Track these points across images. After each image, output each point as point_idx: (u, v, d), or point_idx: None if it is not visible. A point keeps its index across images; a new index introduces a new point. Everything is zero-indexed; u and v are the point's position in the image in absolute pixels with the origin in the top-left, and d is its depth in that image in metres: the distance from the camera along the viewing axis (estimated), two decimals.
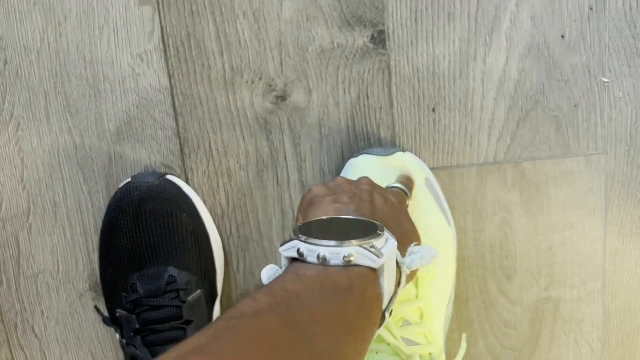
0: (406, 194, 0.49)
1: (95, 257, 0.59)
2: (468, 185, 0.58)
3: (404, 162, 0.53)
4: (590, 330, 0.62)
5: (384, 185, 0.49)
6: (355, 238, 0.35)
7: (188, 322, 0.53)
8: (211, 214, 0.58)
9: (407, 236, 0.42)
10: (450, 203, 0.57)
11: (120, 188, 0.54)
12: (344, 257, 0.33)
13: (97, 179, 0.57)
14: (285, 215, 0.58)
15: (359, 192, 0.43)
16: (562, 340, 0.62)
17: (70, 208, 0.58)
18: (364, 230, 0.36)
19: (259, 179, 0.58)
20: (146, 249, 0.54)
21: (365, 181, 0.46)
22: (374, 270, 0.35)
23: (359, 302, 0.33)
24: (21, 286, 0.60)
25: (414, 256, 0.39)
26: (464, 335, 0.54)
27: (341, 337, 0.32)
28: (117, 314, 0.54)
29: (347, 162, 0.56)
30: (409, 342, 0.50)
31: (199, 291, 0.54)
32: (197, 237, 0.55)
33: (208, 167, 0.57)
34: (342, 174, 0.55)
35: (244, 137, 0.57)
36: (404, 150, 0.55)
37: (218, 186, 0.58)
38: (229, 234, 0.59)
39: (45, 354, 0.61)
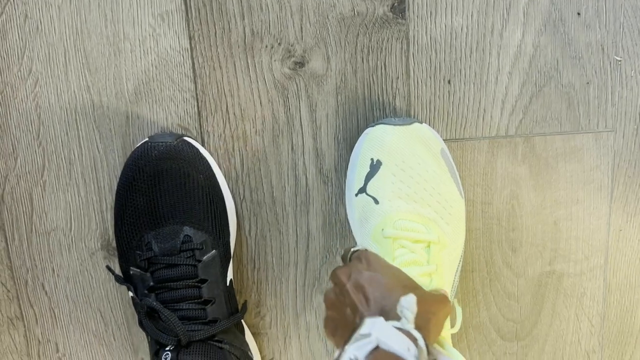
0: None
1: (108, 216, 0.59)
2: (479, 157, 0.59)
3: (421, 133, 0.54)
4: (591, 304, 0.63)
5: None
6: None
7: (203, 281, 0.54)
8: (225, 177, 0.58)
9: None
10: (460, 175, 0.58)
11: (138, 147, 0.55)
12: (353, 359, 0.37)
13: (113, 138, 0.57)
14: (298, 181, 0.59)
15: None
16: (563, 313, 0.64)
17: (85, 166, 0.58)
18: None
19: (273, 145, 0.58)
20: (162, 208, 0.54)
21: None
22: (377, 348, 0.38)
23: None
24: (33, 243, 0.60)
25: (403, 313, 0.41)
26: (455, 300, 0.55)
27: None
28: (131, 272, 0.54)
29: (362, 130, 0.57)
30: None
31: (213, 251, 0.55)
32: (212, 198, 0.56)
33: (224, 131, 0.58)
34: (358, 143, 0.56)
35: (260, 101, 0.57)
36: (420, 121, 0.55)
37: (233, 150, 0.58)
38: (242, 197, 0.59)
39: (54, 311, 0.62)
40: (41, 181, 0.58)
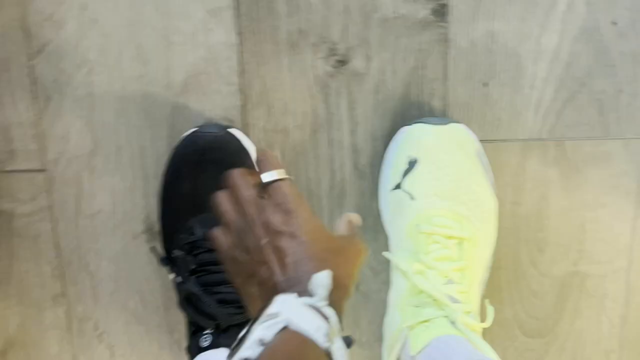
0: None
1: (152, 201, 0.62)
2: (511, 159, 0.61)
3: (458, 133, 0.56)
4: (613, 306, 0.65)
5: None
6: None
7: None
8: None
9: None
10: (492, 175, 0.60)
11: (187, 136, 0.57)
12: (259, 340, 0.36)
13: (160, 126, 0.60)
14: (334, 175, 0.61)
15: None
16: (585, 313, 0.65)
17: (132, 152, 0.61)
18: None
19: (313, 139, 0.61)
20: (206, 194, 0.56)
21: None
22: (286, 328, 0.36)
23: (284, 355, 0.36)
24: (79, 224, 0.63)
25: (316, 290, 0.39)
26: (487, 301, 0.57)
27: None
28: (174, 255, 0.57)
29: (399, 128, 0.59)
30: (452, 299, 0.53)
31: None
32: None
33: (266, 124, 0.60)
34: (395, 141, 0.58)
35: (302, 97, 0.59)
36: (457, 122, 0.58)
37: (274, 143, 0.61)
38: None
39: (95, 291, 0.65)
40: (90, 165, 0.61)
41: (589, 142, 0.61)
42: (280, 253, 0.40)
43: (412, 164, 0.56)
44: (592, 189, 0.62)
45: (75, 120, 0.60)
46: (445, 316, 0.52)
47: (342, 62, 0.58)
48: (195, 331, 0.57)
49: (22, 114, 0.60)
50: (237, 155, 0.57)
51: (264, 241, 0.41)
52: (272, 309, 0.37)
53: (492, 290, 0.65)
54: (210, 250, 0.56)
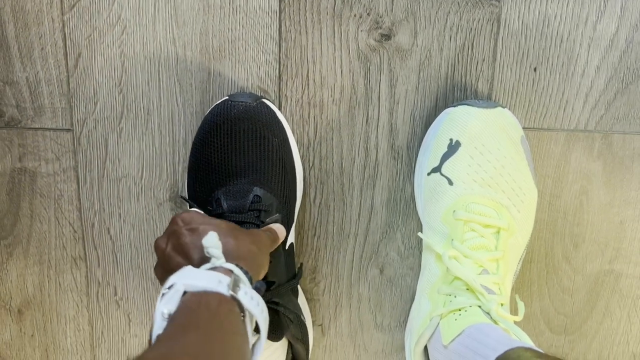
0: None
1: (180, 169, 0.60)
2: (554, 149, 0.58)
3: (504, 118, 0.54)
4: None
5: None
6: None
7: None
8: (297, 143, 0.59)
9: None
10: (534, 164, 0.58)
11: (218, 104, 0.55)
12: (162, 315, 0.36)
13: (192, 92, 0.58)
14: (368, 154, 0.59)
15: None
16: (616, 313, 0.63)
17: (162, 117, 0.59)
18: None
19: (349, 115, 0.58)
20: (235, 166, 0.55)
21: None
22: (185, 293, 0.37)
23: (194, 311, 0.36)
24: (103, 187, 0.61)
25: (209, 251, 0.41)
26: (517, 296, 0.55)
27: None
28: None
29: (440, 109, 0.57)
30: (487, 290, 0.51)
31: (278, 215, 0.55)
32: (284, 163, 0.56)
33: (302, 97, 0.58)
34: (437, 122, 0.56)
35: (342, 71, 0.57)
36: (503, 106, 0.55)
37: (308, 117, 0.58)
38: (311, 165, 0.60)
39: (116, 256, 0.63)
40: (118, 128, 0.59)
41: (638, 137, 0.58)
42: (183, 248, 0.44)
43: (453, 147, 0.54)
44: (636, 186, 0.59)
45: (105, 80, 0.58)
46: (479, 306, 0.50)
47: (386, 37, 0.56)
48: None
49: (52, 70, 0.58)
50: (268, 127, 0.55)
51: (167, 250, 0.45)
52: (168, 282, 0.38)
53: (522, 283, 0.63)
54: (237, 223, 0.54)
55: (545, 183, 0.59)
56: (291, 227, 0.58)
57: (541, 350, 0.44)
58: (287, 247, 0.58)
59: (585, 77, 0.56)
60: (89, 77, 0.58)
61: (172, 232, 0.46)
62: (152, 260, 0.63)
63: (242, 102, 0.55)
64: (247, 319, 0.39)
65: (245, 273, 0.40)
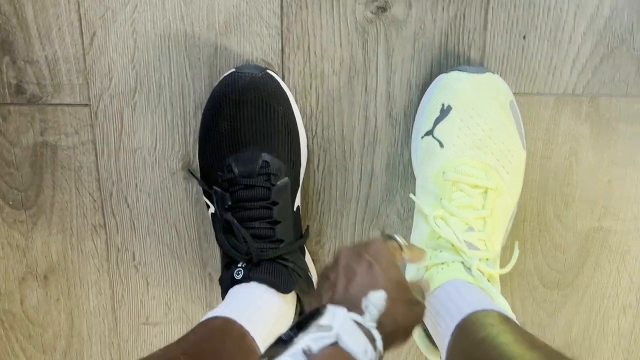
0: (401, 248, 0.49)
1: (191, 139, 0.64)
2: (544, 113, 0.62)
3: (494, 83, 0.57)
4: (633, 262, 0.67)
5: None
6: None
7: (274, 203, 0.58)
8: (301, 112, 0.62)
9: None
10: (524, 128, 0.61)
11: (226, 76, 0.59)
12: (303, 351, 0.36)
13: (201, 67, 0.62)
14: (368, 122, 0.63)
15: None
16: (605, 268, 0.67)
17: (173, 91, 0.62)
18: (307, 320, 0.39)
19: (348, 85, 0.62)
20: (244, 134, 0.58)
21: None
22: (335, 344, 0.37)
23: None
24: (120, 158, 0.65)
25: (368, 308, 0.40)
26: (516, 243, 0.58)
27: None
28: (212, 191, 0.59)
29: (434, 77, 0.60)
30: (471, 246, 0.55)
31: (286, 178, 0.59)
32: (289, 130, 0.60)
33: (304, 69, 0.61)
34: (431, 88, 0.59)
35: (341, 43, 0.60)
36: (493, 72, 0.58)
37: (310, 87, 0.62)
38: (314, 133, 0.63)
39: (134, 223, 0.68)
40: (132, 102, 0.63)
41: (624, 99, 0.61)
42: (350, 273, 0.43)
43: (444, 111, 0.57)
44: (622, 146, 0.62)
45: (119, 57, 0.62)
46: (461, 262, 0.54)
47: (382, 9, 0.59)
48: (228, 264, 0.60)
49: (69, 49, 0.61)
50: (273, 97, 0.58)
51: (340, 265, 0.44)
52: (324, 320, 0.37)
53: (516, 241, 0.66)
54: (247, 187, 0.58)
55: (536, 145, 0.63)
56: (297, 190, 0.62)
57: (508, 314, 0.47)
58: (294, 209, 0.62)
59: (573, 43, 0.59)
60: (103, 54, 0.62)
61: (358, 258, 0.44)
62: (167, 227, 0.68)
63: (248, 73, 0.58)
64: None
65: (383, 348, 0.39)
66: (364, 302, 0.40)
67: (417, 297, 0.46)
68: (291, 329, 0.38)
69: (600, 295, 0.68)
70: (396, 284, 0.43)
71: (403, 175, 0.65)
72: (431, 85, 0.59)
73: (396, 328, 0.41)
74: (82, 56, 0.62)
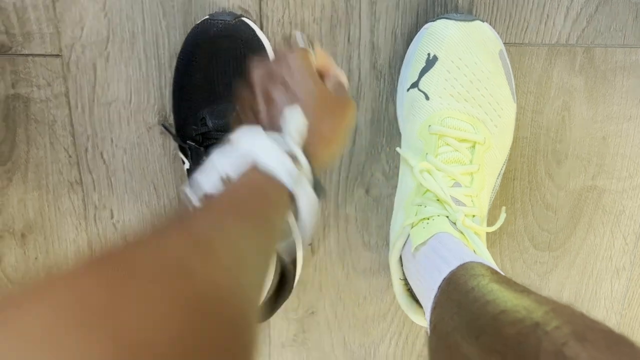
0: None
1: (167, 92, 0.61)
2: (536, 64, 0.58)
3: (482, 31, 0.54)
4: (628, 223, 0.64)
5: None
6: None
7: None
8: None
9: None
10: (515, 80, 0.58)
11: (198, 23, 0.56)
12: (221, 178, 0.34)
13: (175, 15, 0.59)
14: (351, 73, 0.60)
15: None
16: (599, 229, 0.64)
17: (147, 41, 0.60)
18: None
19: (330, 34, 0.59)
20: (218, 85, 0.56)
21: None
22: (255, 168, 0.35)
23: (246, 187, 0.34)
24: (94, 112, 0.63)
25: (286, 125, 0.38)
26: (504, 208, 0.56)
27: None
28: (187, 146, 0.57)
29: (421, 26, 0.57)
30: (457, 202, 0.53)
31: None
32: None
33: (283, 16, 0.58)
34: (417, 38, 0.56)
35: None
36: (482, 20, 0.55)
37: (290, 36, 0.59)
38: None
39: (110, 180, 0.66)
40: (105, 52, 0.61)
41: (620, 49, 0.57)
42: (267, 95, 0.41)
43: (430, 62, 0.54)
44: (618, 100, 0.59)
45: (90, 4, 0.59)
46: (447, 216, 0.52)
47: None
48: None
49: None
50: (248, 45, 0.56)
51: (259, 87, 0.41)
52: (234, 135, 0.35)
53: (505, 201, 0.64)
54: (221, 142, 0.56)
55: (527, 99, 0.60)
56: None
57: (493, 266, 0.45)
58: None
59: None
60: (74, 2, 0.59)
61: (271, 79, 0.41)
62: (146, 184, 0.66)
63: (221, 20, 0.55)
64: (292, 220, 0.36)
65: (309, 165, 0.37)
66: (281, 122, 0.38)
67: (342, 94, 0.44)
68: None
69: (594, 257, 0.66)
70: (314, 94, 0.40)
71: (388, 131, 0.62)
72: (417, 35, 0.56)
73: (322, 139, 0.39)
74: (52, 3, 0.59)
